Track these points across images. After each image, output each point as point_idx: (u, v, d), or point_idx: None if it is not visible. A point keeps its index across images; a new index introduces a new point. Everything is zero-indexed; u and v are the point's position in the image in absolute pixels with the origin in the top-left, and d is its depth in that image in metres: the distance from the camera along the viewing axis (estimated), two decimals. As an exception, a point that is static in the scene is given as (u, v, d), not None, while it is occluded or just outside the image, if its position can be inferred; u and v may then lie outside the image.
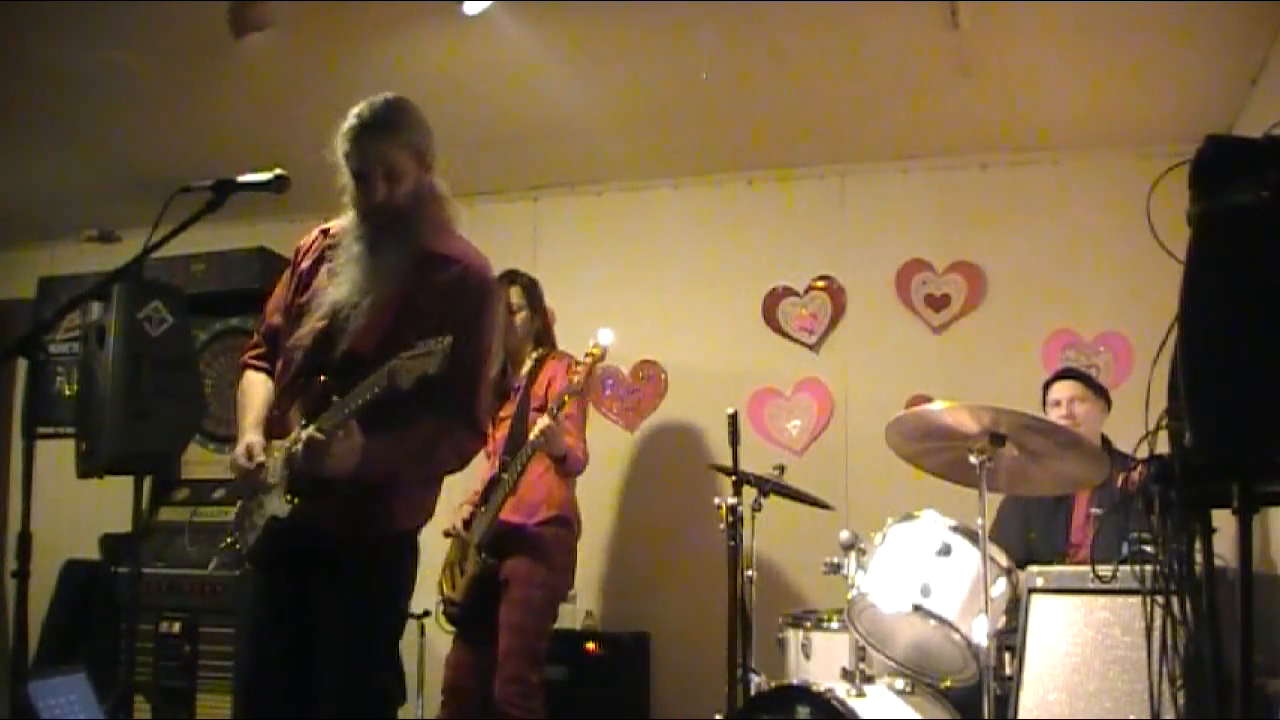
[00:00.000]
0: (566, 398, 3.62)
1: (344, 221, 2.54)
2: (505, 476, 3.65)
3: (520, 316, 3.94)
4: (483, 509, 3.70)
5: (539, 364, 3.92)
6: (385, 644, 2.48)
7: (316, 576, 2.43)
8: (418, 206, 2.47)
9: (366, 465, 2.33)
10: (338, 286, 2.47)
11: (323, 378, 2.39)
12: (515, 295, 3.94)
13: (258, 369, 2.66)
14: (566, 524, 3.78)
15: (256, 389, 2.61)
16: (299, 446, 2.31)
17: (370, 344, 2.36)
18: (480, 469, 3.84)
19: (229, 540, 2.55)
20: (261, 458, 2.44)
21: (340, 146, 2.44)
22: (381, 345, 2.31)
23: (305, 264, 2.60)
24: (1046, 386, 3.72)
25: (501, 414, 3.85)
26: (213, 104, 4.05)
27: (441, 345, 2.20)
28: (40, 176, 4.99)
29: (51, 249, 5.78)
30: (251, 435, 2.49)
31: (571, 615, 4.54)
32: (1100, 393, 3.66)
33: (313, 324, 2.47)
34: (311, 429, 2.30)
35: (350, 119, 2.44)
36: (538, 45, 3.70)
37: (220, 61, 3.71)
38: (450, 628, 3.78)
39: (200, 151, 4.02)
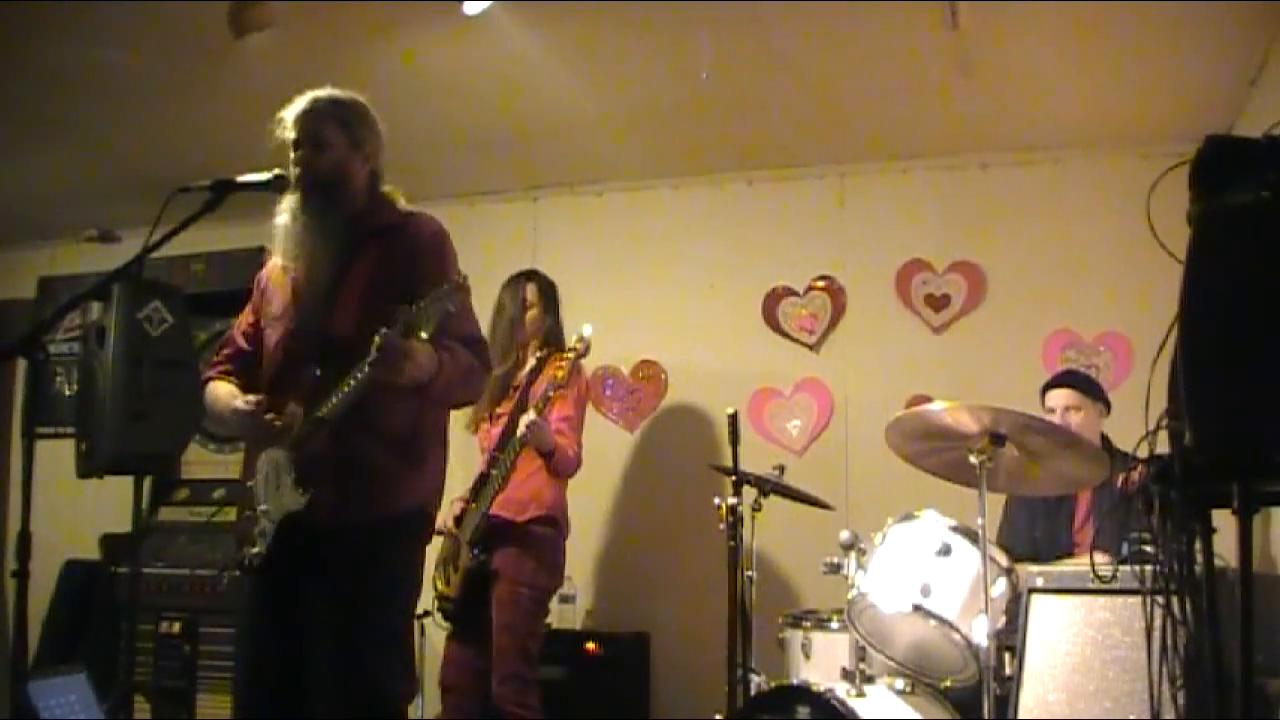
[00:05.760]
0: (552, 393, 3.63)
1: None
2: (495, 472, 3.66)
3: (532, 314, 3.94)
4: (473, 506, 3.71)
5: (541, 364, 3.88)
6: (381, 640, 2.45)
7: (307, 575, 2.44)
8: (345, 176, 2.57)
9: (429, 368, 2.35)
10: (286, 284, 2.59)
11: (318, 371, 2.43)
12: (531, 292, 3.95)
13: (221, 379, 2.69)
14: (554, 524, 3.77)
15: (227, 388, 2.65)
16: (373, 351, 2.27)
17: (349, 326, 2.39)
18: (475, 464, 3.87)
19: (250, 554, 2.51)
20: (254, 407, 2.47)
21: None
22: (361, 325, 2.33)
23: (266, 288, 2.69)
24: (1044, 391, 3.70)
25: (499, 410, 3.86)
26: (213, 104, 4.04)
27: (449, 284, 2.27)
28: (40, 176, 4.98)
29: (51, 249, 5.78)
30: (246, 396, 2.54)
31: (571, 615, 4.55)
32: (1098, 395, 3.61)
33: (284, 324, 2.56)
34: (381, 332, 2.29)
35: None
36: (538, 45, 3.70)
37: (220, 61, 3.70)
38: (446, 624, 3.79)
39: (200, 151, 4.00)
